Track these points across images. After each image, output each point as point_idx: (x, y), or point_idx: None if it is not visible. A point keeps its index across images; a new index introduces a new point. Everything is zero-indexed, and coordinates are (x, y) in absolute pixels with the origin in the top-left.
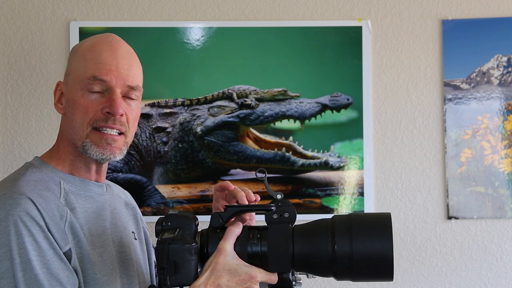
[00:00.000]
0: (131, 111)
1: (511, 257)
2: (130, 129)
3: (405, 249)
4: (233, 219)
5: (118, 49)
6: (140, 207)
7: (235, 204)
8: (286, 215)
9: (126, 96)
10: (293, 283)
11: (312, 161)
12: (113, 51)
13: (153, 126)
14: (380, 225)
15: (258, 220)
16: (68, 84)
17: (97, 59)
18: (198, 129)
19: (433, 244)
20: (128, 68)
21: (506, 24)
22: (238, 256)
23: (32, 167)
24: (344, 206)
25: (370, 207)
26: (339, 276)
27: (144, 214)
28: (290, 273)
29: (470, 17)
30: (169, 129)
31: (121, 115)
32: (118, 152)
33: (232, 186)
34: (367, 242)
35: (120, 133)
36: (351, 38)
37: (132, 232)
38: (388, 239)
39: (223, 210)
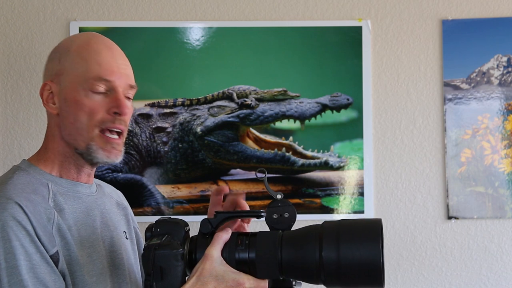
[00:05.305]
0: (129, 111)
1: (511, 257)
2: (126, 128)
3: (405, 249)
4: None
5: (114, 49)
6: (140, 207)
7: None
8: (286, 215)
9: (125, 96)
10: (293, 283)
11: (312, 161)
12: (110, 51)
13: (153, 126)
14: (369, 231)
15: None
16: (62, 83)
17: (97, 59)
18: (198, 129)
19: (433, 244)
20: (126, 68)
21: (506, 24)
22: (226, 262)
23: (19, 170)
24: (344, 206)
25: (370, 207)
26: (328, 283)
27: (144, 214)
28: None
29: (470, 17)
30: (169, 129)
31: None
32: (120, 154)
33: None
34: (355, 248)
35: (119, 134)
36: (351, 38)
37: (124, 231)
38: (376, 246)
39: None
